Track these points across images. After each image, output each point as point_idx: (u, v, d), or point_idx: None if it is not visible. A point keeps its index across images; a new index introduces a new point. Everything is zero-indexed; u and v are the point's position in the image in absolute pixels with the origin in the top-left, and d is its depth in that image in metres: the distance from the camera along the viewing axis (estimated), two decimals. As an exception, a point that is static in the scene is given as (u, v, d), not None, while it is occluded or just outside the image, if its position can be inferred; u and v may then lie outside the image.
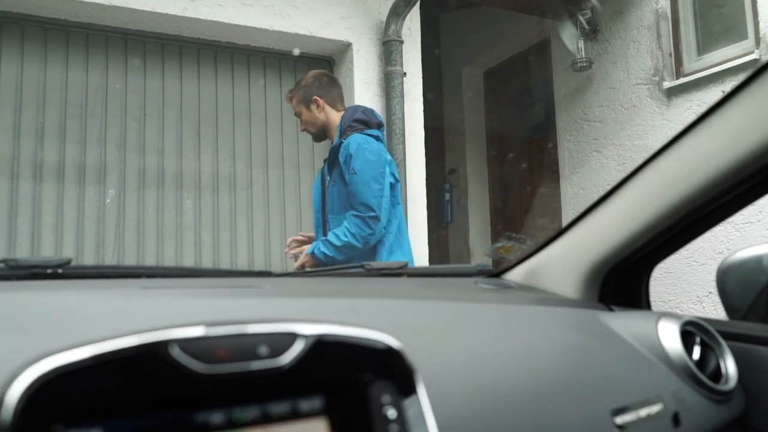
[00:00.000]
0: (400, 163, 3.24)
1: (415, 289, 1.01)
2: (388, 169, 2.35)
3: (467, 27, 4.93)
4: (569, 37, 3.73)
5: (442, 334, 0.74)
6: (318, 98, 2.46)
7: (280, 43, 3.33)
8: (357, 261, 2.35)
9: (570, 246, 1.04)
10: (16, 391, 0.37)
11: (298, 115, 2.54)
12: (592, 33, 3.74)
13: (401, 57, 3.32)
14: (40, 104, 2.96)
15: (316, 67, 3.57)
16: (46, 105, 2.97)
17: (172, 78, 3.24)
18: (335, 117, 2.47)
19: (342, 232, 2.25)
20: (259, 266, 3.24)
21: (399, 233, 2.43)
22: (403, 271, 1.20)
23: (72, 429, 0.39)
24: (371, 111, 2.51)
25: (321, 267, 2.21)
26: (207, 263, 3.11)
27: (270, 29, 3.17)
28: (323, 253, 2.27)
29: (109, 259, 2.99)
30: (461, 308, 0.85)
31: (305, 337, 0.49)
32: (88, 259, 2.95)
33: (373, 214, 2.23)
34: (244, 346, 0.45)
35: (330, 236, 2.28)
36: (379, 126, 2.50)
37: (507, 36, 4.59)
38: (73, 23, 3.00)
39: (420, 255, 3.34)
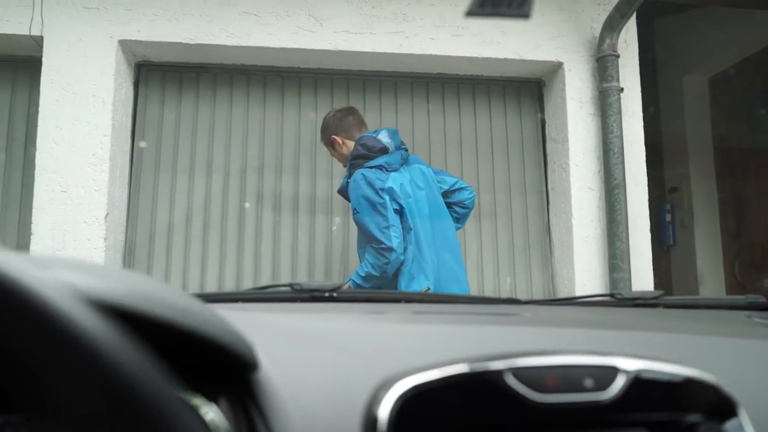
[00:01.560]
0: (619, 183, 3.06)
1: (685, 323, 0.94)
2: (388, 197, 2.36)
3: (686, 31, 4.52)
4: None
5: (743, 372, 0.67)
6: (335, 137, 2.60)
7: (488, 69, 3.37)
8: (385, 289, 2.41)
9: None
10: (386, 408, 0.42)
11: (333, 156, 2.72)
12: None
13: (617, 72, 3.15)
14: (279, 143, 3.35)
15: (525, 91, 3.56)
16: (284, 143, 3.36)
17: (389, 111, 3.46)
18: None
19: (364, 263, 2.39)
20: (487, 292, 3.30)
21: (419, 259, 2.39)
22: (659, 302, 1.12)
23: (429, 445, 0.42)
24: (373, 137, 2.50)
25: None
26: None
27: (479, 57, 3.23)
28: (354, 282, 2.40)
29: (337, 281, 3.25)
30: (756, 346, 0.77)
31: (626, 371, 0.48)
32: (318, 281, 3.25)
33: (384, 245, 2.30)
34: (571, 377, 0.46)
35: (357, 269, 2.43)
36: (384, 150, 2.47)
37: (735, 36, 4.12)
38: (304, 69, 3.36)
39: (644, 282, 3.10)
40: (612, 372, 0.47)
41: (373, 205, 2.37)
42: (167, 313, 0.42)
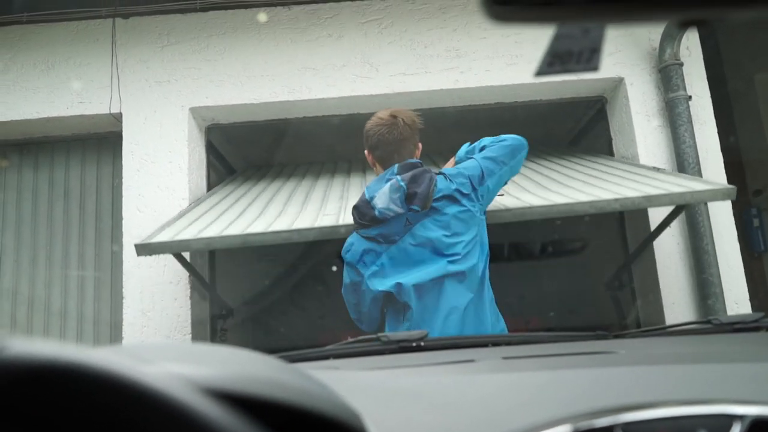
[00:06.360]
0: (699, 194, 2.93)
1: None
2: (349, 271, 2.09)
3: (751, 28, 4.33)
4: None
5: None
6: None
7: (547, 93, 3.34)
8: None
9: None
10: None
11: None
12: None
13: (682, 80, 3.06)
14: (346, 186, 3.43)
15: (588, 109, 3.49)
16: (350, 185, 3.43)
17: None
18: None
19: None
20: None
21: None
22: (760, 325, 1.06)
23: None
24: (366, 203, 2.08)
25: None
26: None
27: (537, 82, 3.21)
28: None
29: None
30: None
31: (742, 418, 0.46)
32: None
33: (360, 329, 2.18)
34: (684, 429, 0.45)
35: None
36: (376, 221, 2.04)
37: (808, 28, 3.92)
38: (364, 115, 3.43)
39: (738, 295, 2.93)
40: (727, 421, 0.45)
41: (344, 288, 2.18)
42: (276, 393, 0.43)
